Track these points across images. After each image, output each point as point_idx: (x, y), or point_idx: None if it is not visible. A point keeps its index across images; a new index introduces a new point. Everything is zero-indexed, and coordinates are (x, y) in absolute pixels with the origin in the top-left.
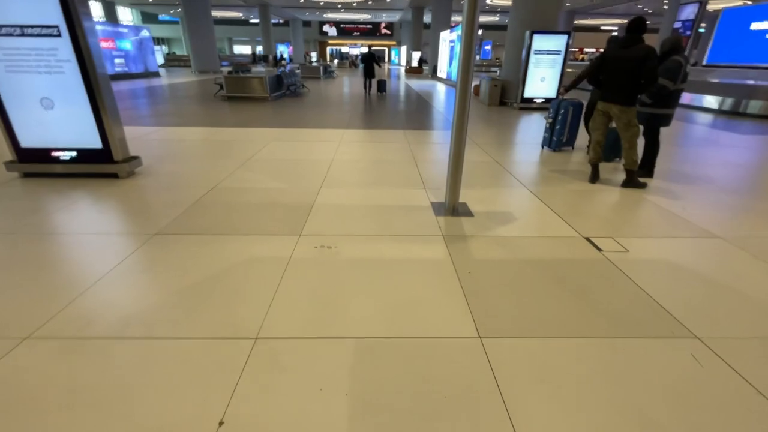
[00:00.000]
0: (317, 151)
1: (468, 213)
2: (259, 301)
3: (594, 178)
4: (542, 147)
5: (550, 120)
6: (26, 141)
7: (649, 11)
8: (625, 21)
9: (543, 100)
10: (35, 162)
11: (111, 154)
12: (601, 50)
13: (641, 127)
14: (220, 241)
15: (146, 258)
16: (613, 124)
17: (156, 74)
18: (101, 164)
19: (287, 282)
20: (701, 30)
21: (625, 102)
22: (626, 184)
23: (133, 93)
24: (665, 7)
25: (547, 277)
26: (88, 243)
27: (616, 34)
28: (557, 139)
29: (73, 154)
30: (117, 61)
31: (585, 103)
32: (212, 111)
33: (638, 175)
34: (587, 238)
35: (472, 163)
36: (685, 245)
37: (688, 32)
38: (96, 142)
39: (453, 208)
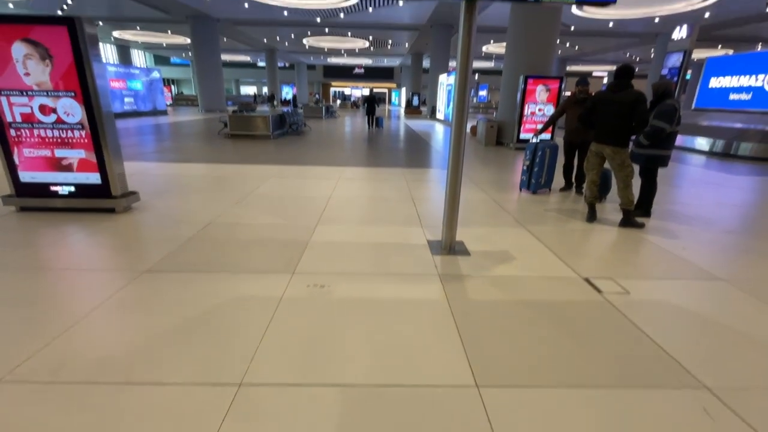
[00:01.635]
0: (316, 188)
1: (465, 252)
2: (246, 344)
3: (591, 217)
4: (520, 189)
5: (528, 162)
6: (27, 176)
7: (637, 59)
8: (613, 67)
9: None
10: (33, 196)
11: (109, 189)
12: (568, 94)
13: (637, 167)
14: (211, 279)
15: (133, 296)
16: (607, 165)
17: (164, 112)
18: (99, 199)
19: (277, 324)
20: (687, 77)
21: (618, 143)
22: (624, 223)
23: (139, 130)
24: (652, 55)
25: (547, 321)
26: (75, 279)
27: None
28: (536, 181)
29: (72, 188)
30: (126, 100)
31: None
32: (214, 148)
33: (635, 214)
34: (586, 279)
35: (469, 201)
36: (688, 287)
37: (675, 78)
38: (95, 178)
39: (449, 247)
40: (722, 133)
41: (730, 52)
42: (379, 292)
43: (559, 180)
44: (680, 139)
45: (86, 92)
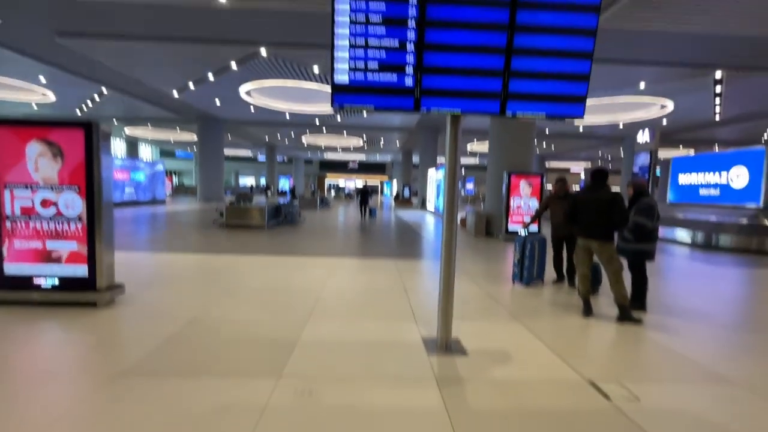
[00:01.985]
0: (307, 279)
1: (461, 351)
2: None
3: (587, 312)
4: (513, 282)
5: (518, 256)
6: (12, 267)
7: (609, 156)
8: (590, 163)
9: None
10: (14, 289)
11: (95, 282)
12: (550, 186)
13: (626, 262)
14: (188, 385)
15: (97, 406)
16: (596, 258)
17: (162, 202)
18: (81, 292)
19: None
20: (658, 173)
21: (603, 237)
22: (621, 319)
23: (136, 219)
24: (622, 154)
25: None
26: (37, 385)
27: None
28: (528, 274)
29: (55, 281)
30: (127, 190)
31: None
32: (208, 238)
33: (631, 308)
34: (592, 383)
35: (463, 294)
36: (700, 392)
37: (647, 176)
38: (83, 270)
39: (445, 346)
40: (701, 226)
41: (692, 152)
42: (372, 400)
43: (550, 272)
44: (662, 231)
45: (90, 187)
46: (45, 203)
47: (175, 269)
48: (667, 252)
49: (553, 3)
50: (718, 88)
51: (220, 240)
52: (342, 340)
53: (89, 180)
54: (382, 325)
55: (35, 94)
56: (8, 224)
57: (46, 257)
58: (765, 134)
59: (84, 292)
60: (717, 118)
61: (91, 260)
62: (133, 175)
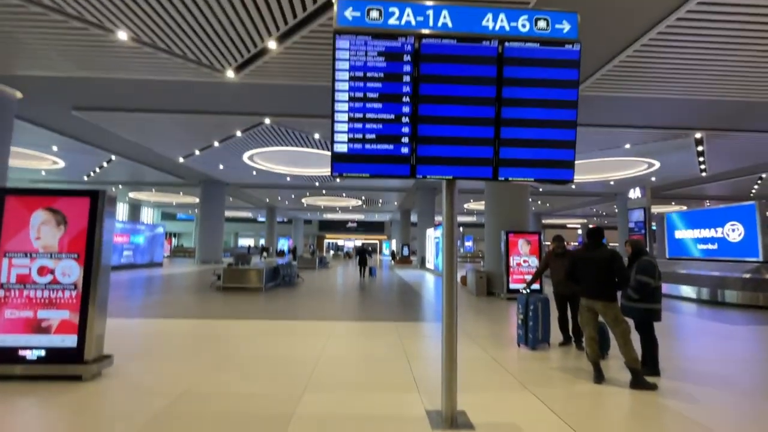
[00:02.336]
0: (304, 346)
1: (468, 425)
2: None
3: (599, 378)
4: (518, 345)
5: (522, 316)
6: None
7: (604, 213)
8: (585, 220)
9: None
10: None
11: (83, 353)
12: (548, 244)
13: (632, 322)
14: None
15: None
16: (601, 319)
17: (159, 264)
18: (66, 365)
19: None
20: (654, 228)
21: (606, 298)
22: (635, 385)
23: (131, 283)
24: (616, 210)
25: None
26: None
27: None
28: (533, 336)
29: (42, 353)
30: (125, 253)
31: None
32: (204, 302)
33: (644, 373)
34: None
35: (467, 359)
36: None
37: (643, 231)
38: (71, 340)
39: (451, 420)
40: (705, 281)
41: (684, 207)
42: None
43: (556, 333)
44: (666, 288)
45: (89, 253)
46: (42, 271)
47: (167, 337)
48: (674, 309)
49: (535, 79)
50: (700, 148)
51: (215, 304)
52: (340, 414)
53: (89, 246)
54: (383, 396)
55: (46, 162)
56: (1, 293)
57: (36, 327)
58: (753, 189)
59: (69, 365)
60: (703, 174)
61: (82, 329)
62: (133, 238)
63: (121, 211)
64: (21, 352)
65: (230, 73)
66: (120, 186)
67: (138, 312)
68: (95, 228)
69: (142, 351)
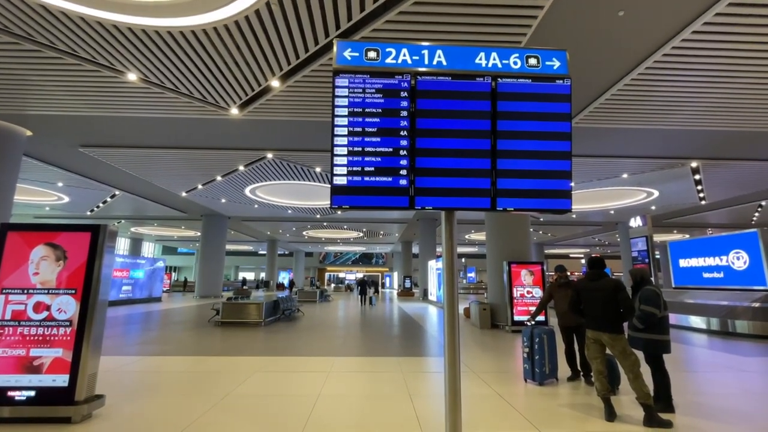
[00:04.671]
0: (303, 384)
1: None
2: None
3: (611, 415)
4: (525, 380)
5: (527, 350)
6: None
7: (606, 242)
8: (588, 249)
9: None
10: None
11: (74, 394)
12: (551, 274)
13: (642, 355)
14: None
15: None
16: (609, 352)
17: (158, 299)
18: (56, 406)
19: None
20: (657, 257)
21: (612, 329)
22: (648, 423)
23: (128, 319)
24: (618, 239)
25: None
26: None
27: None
28: (540, 371)
29: (32, 393)
30: (124, 288)
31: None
32: (202, 338)
33: (657, 409)
34: None
35: (472, 397)
36: None
37: (646, 260)
38: (63, 380)
39: None
40: (713, 311)
41: (687, 236)
42: None
43: (564, 367)
44: (675, 318)
45: (87, 288)
46: (38, 307)
47: (162, 375)
48: (684, 340)
49: (529, 112)
50: (697, 176)
51: (213, 340)
52: None
53: (87, 282)
54: None
55: (51, 197)
56: None
57: (27, 366)
58: (754, 217)
59: (59, 407)
60: (702, 202)
61: (74, 368)
62: (133, 273)
63: (123, 245)
64: (10, 393)
65: (235, 110)
66: (122, 221)
67: (133, 349)
68: (94, 263)
69: (136, 390)
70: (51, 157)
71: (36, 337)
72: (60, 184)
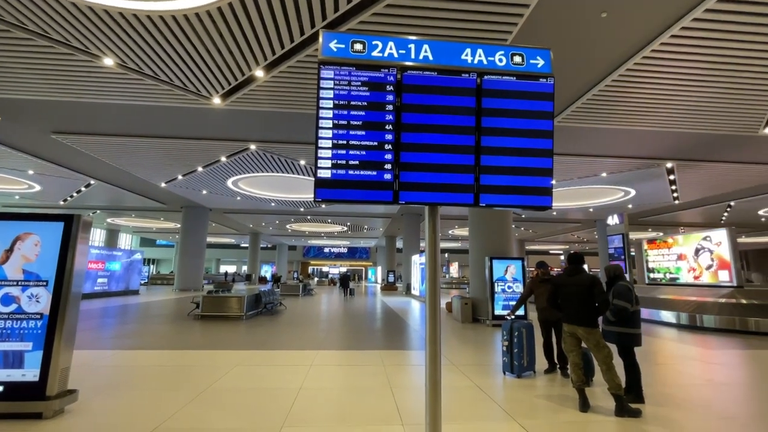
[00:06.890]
0: (284, 377)
1: None
2: None
3: (584, 406)
4: (504, 372)
5: (506, 343)
6: None
7: (585, 239)
8: (567, 246)
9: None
10: None
11: (45, 388)
12: (532, 270)
13: (615, 348)
14: None
15: None
16: (584, 345)
17: (135, 292)
18: (26, 401)
19: None
20: (632, 253)
21: (587, 323)
22: (619, 412)
23: (104, 312)
24: (596, 236)
25: None
26: None
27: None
28: (518, 364)
29: (0, 388)
30: (99, 280)
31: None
32: (181, 332)
33: (628, 400)
34: None
35: (452, 389)
36: None
37: (622, 257)
38: (33, 374)
39: None
40: (682, 306)
41: (661, 233)
42: None
43: (541, 360)
44: (647, 313)
45: (60, 280)
46: (7, 299)
47: (138, 369)
48: (655, 334)
49: (512, 110)
50: (672, 177)
51: (193, 333)
52: None
53: (59, 273)
54: (365, 429)
55: (21, 185)
56: None
57: None
58: (723, 216)
59: (29, 402)
60: (676, 201)
61: (45, 362)
62: (109, 264)
63: (98, 236)
64: None
65: (217, 100)
66: (98, 211)
67: (108, 343)
68: (67, 254)
69: (111, 385)
70: (21, 143)
71: (5, 330)
72: (30, 172)
